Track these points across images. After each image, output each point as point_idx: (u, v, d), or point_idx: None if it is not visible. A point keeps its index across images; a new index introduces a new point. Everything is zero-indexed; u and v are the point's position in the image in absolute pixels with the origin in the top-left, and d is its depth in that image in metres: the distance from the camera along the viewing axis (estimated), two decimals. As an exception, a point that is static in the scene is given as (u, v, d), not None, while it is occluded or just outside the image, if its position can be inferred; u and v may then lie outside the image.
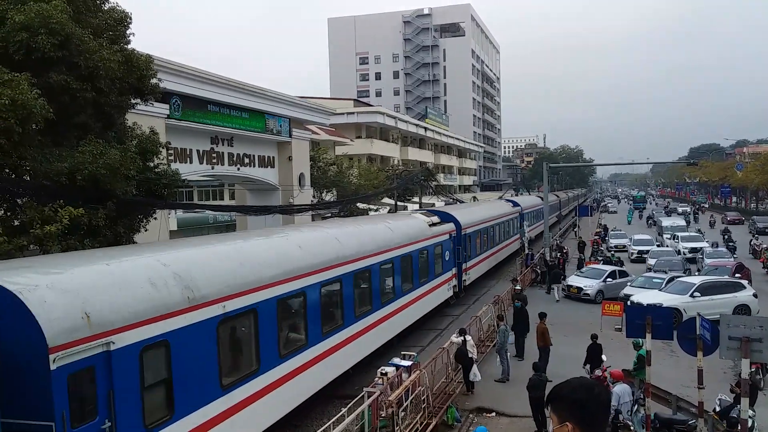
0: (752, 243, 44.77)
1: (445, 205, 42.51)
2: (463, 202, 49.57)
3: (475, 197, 68.89)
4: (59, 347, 7.59)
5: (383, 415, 12.48)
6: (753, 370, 13.51)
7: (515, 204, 45.88)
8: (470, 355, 16.21)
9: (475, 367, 16.23)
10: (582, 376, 2.78)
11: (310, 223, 26.12)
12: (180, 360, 9.53)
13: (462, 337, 16.48)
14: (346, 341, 15.64)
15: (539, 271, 32.99)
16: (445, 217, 26.68)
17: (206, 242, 13.62)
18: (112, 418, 8.21)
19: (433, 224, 24.40)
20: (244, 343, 12.07)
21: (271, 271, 12.47)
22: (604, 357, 16.68)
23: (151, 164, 14.50)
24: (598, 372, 14.21)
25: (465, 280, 28.58)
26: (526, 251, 39.06)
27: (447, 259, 25.36)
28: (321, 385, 14.34)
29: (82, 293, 8.34)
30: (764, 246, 39.67)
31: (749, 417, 11.27)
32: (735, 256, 37.82)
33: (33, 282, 8.02)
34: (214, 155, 27.84)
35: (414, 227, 22.35)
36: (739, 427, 10.65)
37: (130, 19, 14.43)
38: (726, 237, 48.87)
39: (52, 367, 7.50)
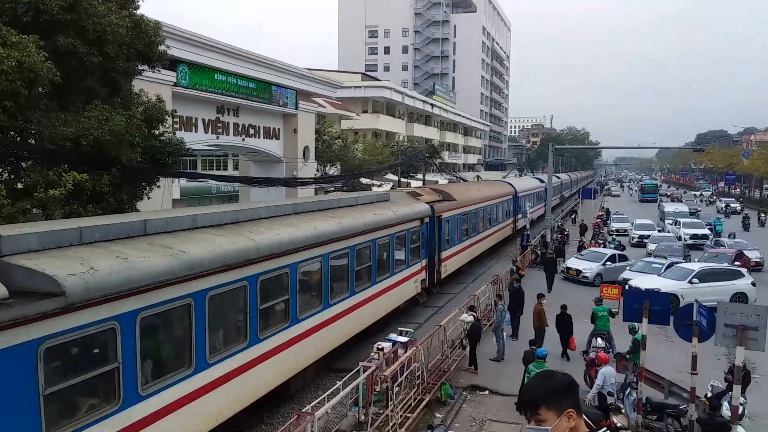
0: None
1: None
2: (466, 180, 49.22)
3: (478, 176, 68.67)
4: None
5: (378, 390, 12.64)
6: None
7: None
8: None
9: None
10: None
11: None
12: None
13: (473, 314, 16.75)
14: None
15: (539, 252, 33.04)
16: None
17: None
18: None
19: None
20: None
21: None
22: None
23: (157, 132, 14.50)
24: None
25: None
26: (526, 232, 39.15)
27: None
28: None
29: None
30: None
31: (740, 404, 11.39)
32: None
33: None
34: (220, 125, 27.80)
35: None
36: (724, 411, 10.80)
37: (140, -16, 14.33)
38: None
39: None
